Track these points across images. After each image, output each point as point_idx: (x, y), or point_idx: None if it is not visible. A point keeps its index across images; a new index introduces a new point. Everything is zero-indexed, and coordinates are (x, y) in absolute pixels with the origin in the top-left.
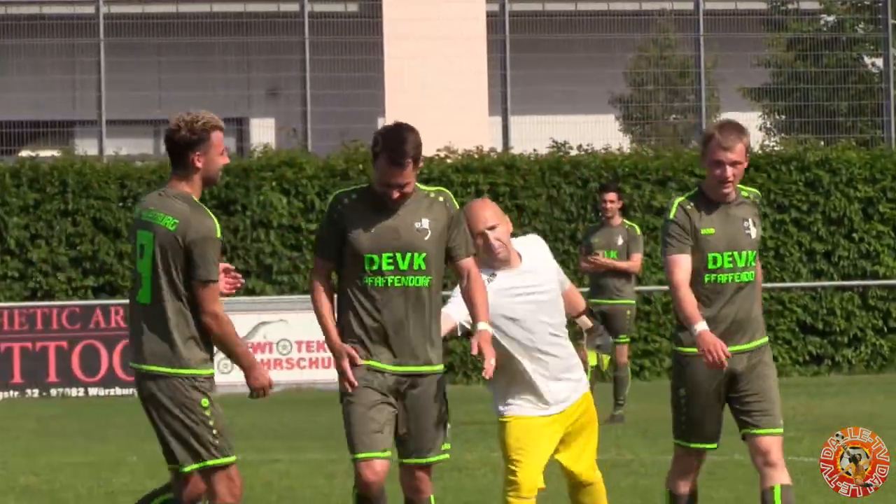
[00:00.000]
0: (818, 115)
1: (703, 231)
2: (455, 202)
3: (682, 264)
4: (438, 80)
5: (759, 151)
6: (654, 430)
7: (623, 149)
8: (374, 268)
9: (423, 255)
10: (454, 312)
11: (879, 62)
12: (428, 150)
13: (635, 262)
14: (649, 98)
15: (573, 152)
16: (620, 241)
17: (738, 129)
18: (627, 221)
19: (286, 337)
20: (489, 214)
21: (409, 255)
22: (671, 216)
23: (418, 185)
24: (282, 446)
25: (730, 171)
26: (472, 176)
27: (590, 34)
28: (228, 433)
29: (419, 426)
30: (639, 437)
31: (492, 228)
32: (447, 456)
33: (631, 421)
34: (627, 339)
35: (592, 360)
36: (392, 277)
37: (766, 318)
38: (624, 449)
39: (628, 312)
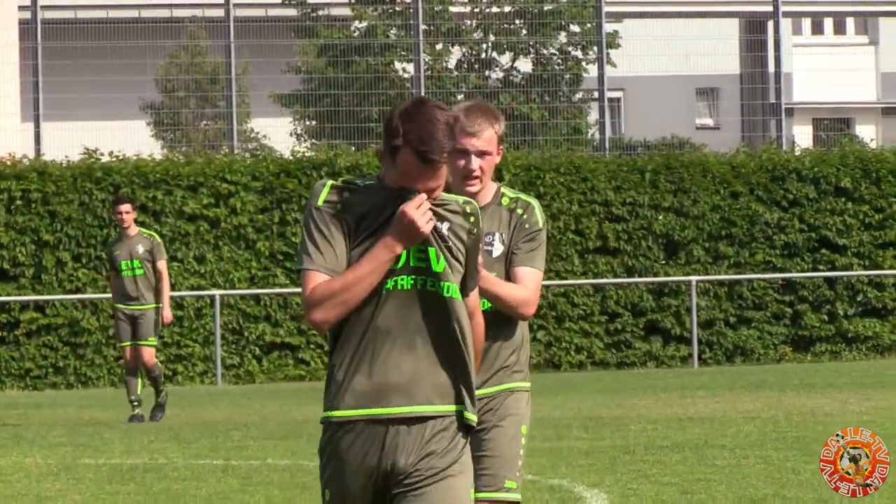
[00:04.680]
0: (349, 120)
1: None
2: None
3: None
4: None
5: (290, 157)
6: (187, 435)
7: (154, 155)
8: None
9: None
10: None
11: (411, 68)
12: None
13: (162, 269)
14: (180, 104)
15: (105, 159)
16: (142, 250)
17: (487, 112)
18: (145, 230)
19: None
20: None
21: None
22: None
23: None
24: None
25: (476, 162)
26: (4, 183)
27: (121, 41)
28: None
29: None
30: (172, 441)
31: None
32: None
33: (164, 426)
34: (155, 342)
35: None
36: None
37: (295, 323)
38: (157, 454)
39: (155, 317)
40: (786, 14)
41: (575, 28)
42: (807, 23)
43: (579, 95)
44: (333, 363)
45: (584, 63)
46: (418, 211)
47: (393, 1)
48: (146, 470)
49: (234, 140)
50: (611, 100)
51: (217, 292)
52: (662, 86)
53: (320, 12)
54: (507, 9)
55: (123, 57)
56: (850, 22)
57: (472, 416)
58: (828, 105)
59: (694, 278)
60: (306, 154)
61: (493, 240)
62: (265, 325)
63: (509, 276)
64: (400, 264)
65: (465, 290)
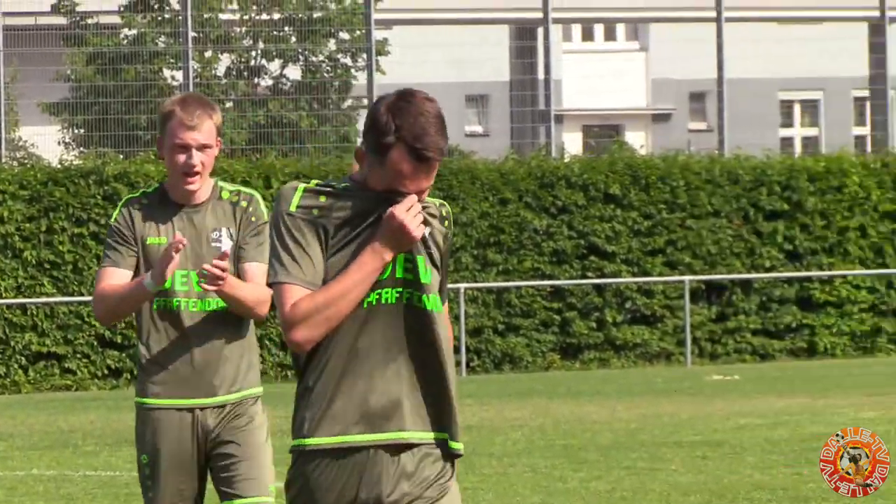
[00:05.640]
0: (118, 128)
1: (150, 240)
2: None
3: (111, 279)
4: None
5: (59, 166)
6: None
7: None
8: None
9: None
10: None
11: (180, 75)
12: None
13: None
14: None
15: None
16: None
17: (205, 104)
18: None
19: None
20: None
21: None
22: (112, 219)
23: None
24: None
25: (197, 157)
26: None
27: None
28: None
29: None
30: None
31: None
32: None
33: None
34: None
35: None
36: None
37: (62, 332)
38: None
39: None
40: (556, 20)
41: (344, 35)
42: (577, 29)
43: (349, 103)
44: (307, 385)
45: (353, 70)
46: (409, 213)
47: (162, 8)
48: None
49: (1, 149)
50: None
51: None
52: (432, 93)
53: (90, 20)
54: (276, 16)
55: None
56: (620, 28)
57: (457, 445)
58: (598, 112)
59: (462, 285)
60: (74, 162)
61: (220, 235)
62: (31, 335)
63: (238, 273)
64: (385, 275)
65: (442, 300)
